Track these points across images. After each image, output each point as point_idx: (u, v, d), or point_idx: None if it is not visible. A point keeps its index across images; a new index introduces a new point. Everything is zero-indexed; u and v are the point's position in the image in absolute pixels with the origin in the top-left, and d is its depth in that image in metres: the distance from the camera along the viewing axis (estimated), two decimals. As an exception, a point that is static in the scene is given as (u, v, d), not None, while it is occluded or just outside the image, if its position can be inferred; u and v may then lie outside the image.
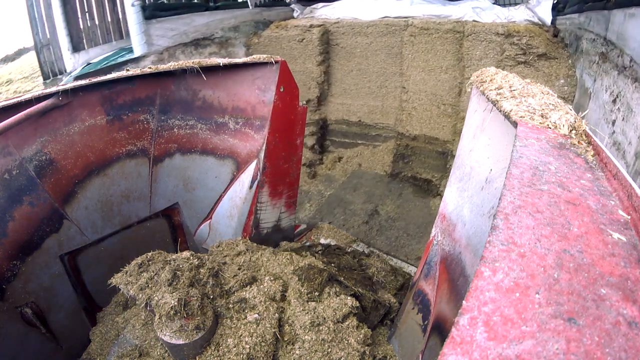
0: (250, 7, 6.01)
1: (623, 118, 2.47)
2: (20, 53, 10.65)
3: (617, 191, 0.98)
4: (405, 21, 4.88)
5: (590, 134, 1.22)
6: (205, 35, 5.16)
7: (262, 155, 2.50)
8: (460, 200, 1.77)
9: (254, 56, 2.40)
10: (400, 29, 4.90)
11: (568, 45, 3.95)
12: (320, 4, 6.30)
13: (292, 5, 6.61)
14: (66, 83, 2.02)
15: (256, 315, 1.69)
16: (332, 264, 2.35)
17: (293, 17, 6.24)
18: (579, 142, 1.19)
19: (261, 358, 1.60)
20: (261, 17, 5.97)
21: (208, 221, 2.69)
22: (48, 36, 5.17)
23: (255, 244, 2.36)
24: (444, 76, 4.68)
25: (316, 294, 1.89)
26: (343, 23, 5.32)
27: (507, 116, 1.34)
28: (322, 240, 2.99)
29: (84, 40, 5.35)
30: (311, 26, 5.22)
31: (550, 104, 1.40)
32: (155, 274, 1.61)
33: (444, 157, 4.87)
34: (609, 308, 0.65)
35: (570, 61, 3.79)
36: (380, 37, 5.08)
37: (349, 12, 5.63)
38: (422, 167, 5.09)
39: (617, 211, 0.90)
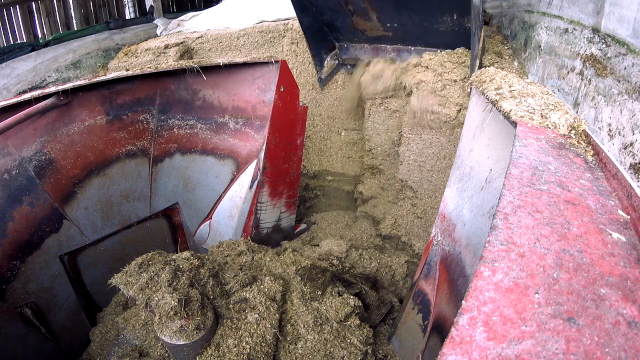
0: (156, 16, 4.97)
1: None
2: None
3: (617, 191, 0.98)
4: (285, 25, 3.77)
5: (590, 133, 1.22)
6: (33, 84, 3.90)
7: (262, 155, 2.50)
8: (460, 201, 1.77)
9: (254, 56, 2.40)
10: (280, 35, 3.79)
11: (509, 38, 2.78)
12: (190, 14, 4.92)
13: (156, 21, 5.13)
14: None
15: (256, 316, 1.69)
16: (334, 265, 2.35)
17: (157, 36, 4.90)
18: (578, 142, 1.19)
19: (261, 358, 1.60)
20: (112, 43, 4.55)
21: (208, 221, 2.69)
22: None
23: (256, 244, 2.36)
24: (340, 92, 3.57)
25: (319, 293, 1.90)
26: (208, 37, 4.10)
27: (506, 116, 1.34)
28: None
29: None
30: (166, 47, 4.03)
31: (549, 104, 1.40)
32: (155, 274, 1.61)
33: (353, 198, 3.82)
34: (609, 308, 0.65)
35: (516, 63, 2.57)
36: (256, 49, 3.91)
37: (220, 21, 4.40)
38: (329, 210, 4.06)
39: (616, 211, 0.90)
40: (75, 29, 5.67)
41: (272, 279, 1.86)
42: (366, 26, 2.98)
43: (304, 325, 1.78)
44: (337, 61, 3.43)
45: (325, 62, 3.39)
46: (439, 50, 2.74)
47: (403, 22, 2.74)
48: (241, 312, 1.70)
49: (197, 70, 2.27)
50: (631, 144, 1.47)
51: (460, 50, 2.63)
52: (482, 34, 2.36)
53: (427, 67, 2.69)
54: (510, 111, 1.32)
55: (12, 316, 1.85)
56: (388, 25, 2.85)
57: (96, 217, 2.23)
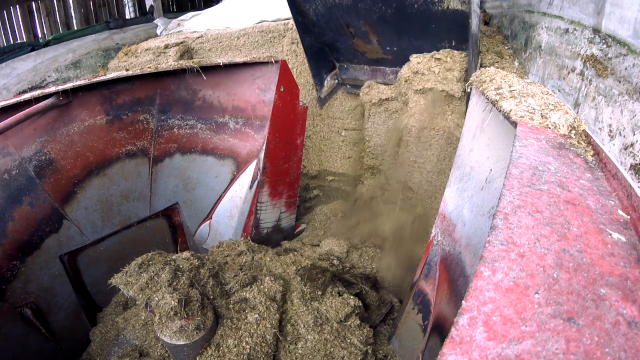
0: (156, 16, 4.99)
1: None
2: None
3: (617, 191, 0.98)
4: (285, 25, 3.72)
5: (590, 133, 1.22)
6: (33, 84, 3.89)
7: (262, 155, 2.50)
8: (460, 201, 1.77)
9: (254, 56, 2.40)
10: (280, 35, 3.76)
11: (509, 38, 2.80)
12: (190, 14, 4.91)
13: (156, 21, 5.15)
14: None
15: (256, 316, 1.69)
16: (334, 265, 2.35)
17: (157, 35, 4.90)
18: (578, 142, 1.19)
19: (261, 358, 1.60)
20: (112, 43, 4.54)
21: (208, 221, 2.69)
22: None
23: (256, 244, 2.36)
24: (340, 94, 3.57)
25: (319, 293, 1.90)
26: (208, 37, 4.08)
27: (506, 116, 1.34)
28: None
29: None
30: (166, 47, 4.02)
31: (549, 104, 1.40)
32: (155, 274, 1.61)
33: (354, 198, 3.72)
34: (609, 308, 0.65)
35: (516, 63, 2.56)
36: (256, 49, 3.91)
37: (220, 21, 4.38)
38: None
39: (616, 211, 0.90)
40: (75, 28, 5.67)
41: (272, 279, 1.86)
42: (366, 48, 3.04)
43: (304, 325, 1.78)
44: (336, 81, 3.49)
45: (325, 81, 3.45)
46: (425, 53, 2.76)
47: (403, 47, 2.80)
48: (241, 312, 1.70)
49: (197, 70, 2.27)
50: (632, 144, 1.47)
51: (445, 52, 2.62)
52: (479, 60, 2.42)
53: (417, 72, 2.72)
54: (510, 111, 1.32)
55: (12, 316, 1.85)
56: (388, 48, 2.91)
57: (96, 217, 2.23)
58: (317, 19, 2.95)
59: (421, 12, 2.43)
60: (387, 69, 3.11)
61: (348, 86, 3.44)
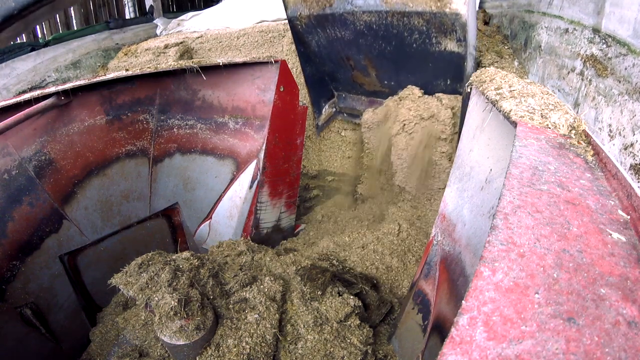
0: (155, 16, 5.02)
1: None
2: None
3: (617, 191, 0.98)
4: (285, 25, 3.67)
5: (590, 134, 1.22)
6: (33, 84, 3.89)
7: (262, 155, 2.50)
8: (460, 201, 1.77)
9: (254, 55, 2.40)
10: (280, 35, 3.76)
11: (509, 38, 2.81)
12: (190, 14, 4.93)
13: (155, 21, 5.16)
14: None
15: (256, 316, 1.69)
16: (334, 265, 2.35)
17: (157, 35, 4.91)
18: (578, 142, 1.19)
19: (261, 358, 1.60)
20: (112, 43, 4.54)
21: (208, 221, 2.69)
22: None
23: (256, 244, 2.36)
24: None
25: (319, 293, 1.90)
26: (207, 37, 4.08)
27: (506, 116, 1.34)
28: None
29: None
30: (166, 47, 4.03)
31: (549, 104, 1.40)
32: (155, 274, 1.61)
33: (353, 198, 3.74)
34: (609, 308, 0.65)
35: (516, 63, 2.57)
36: (256, 49, 3.90)
37: (220, 21, 4.38)
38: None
39: (616, 211, 0.90)
40: (75, 28, 5.67)
41: (272, 279, 1.86)
42: (365, 81, 3.11)
43: (304, 325, 1.78)
44: (334, 109, 3.58)
45: (324, 109, 3.54)
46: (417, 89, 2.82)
47: (400, 81, 2.86)
48: (241, 312, 1.70)
49: (196, 70, 2.27)
50: (631, 144, 1.47)
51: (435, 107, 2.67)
52: None
53: (410, 109, 2.77)
54: (510, 111, 1.32)
55: (12, 316, 1.85)
56: (385, 82, 2.98)
57: (96, 217, 2.23)
58: (318, 50, 3.04)
59: (419, 52, 2.50)
60: (384, 101, 3.18)
61: (345, 114, 3.54)
